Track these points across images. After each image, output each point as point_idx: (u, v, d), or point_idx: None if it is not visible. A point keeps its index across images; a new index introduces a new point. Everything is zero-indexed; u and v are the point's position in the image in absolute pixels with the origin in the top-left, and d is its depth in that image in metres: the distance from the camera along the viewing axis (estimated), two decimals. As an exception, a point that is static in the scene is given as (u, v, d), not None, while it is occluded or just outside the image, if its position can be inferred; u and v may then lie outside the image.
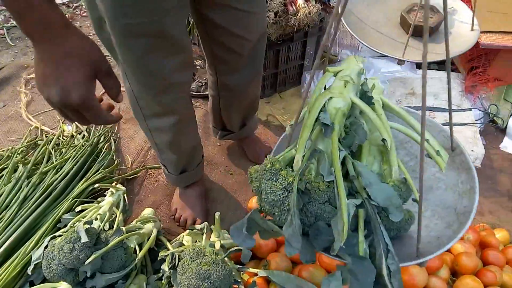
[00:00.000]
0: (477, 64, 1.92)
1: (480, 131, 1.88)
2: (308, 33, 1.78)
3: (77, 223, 1.20)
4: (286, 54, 1.85)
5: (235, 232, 0.67)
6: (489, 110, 1.93)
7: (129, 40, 0.93)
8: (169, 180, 1.47)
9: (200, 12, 1.10)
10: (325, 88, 0.73)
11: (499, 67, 1.88)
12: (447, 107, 1.86)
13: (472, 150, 1.69)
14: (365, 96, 0.72)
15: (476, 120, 1.86)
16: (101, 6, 0.87)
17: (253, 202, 1.49)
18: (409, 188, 0.67)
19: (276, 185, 0.64)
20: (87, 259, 1.06)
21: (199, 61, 2.09)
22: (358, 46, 1.96)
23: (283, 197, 0.63)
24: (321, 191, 0.63)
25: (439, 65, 2.15)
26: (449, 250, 1.28)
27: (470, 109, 1.89)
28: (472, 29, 1.11)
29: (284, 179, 0.64)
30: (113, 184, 1.49)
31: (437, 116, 1.85)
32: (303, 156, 0.67)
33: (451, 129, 0.75)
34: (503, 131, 1.94)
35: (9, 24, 2.31)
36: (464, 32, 1.12)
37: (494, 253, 1.26)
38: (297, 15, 1.54)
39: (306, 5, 1.55)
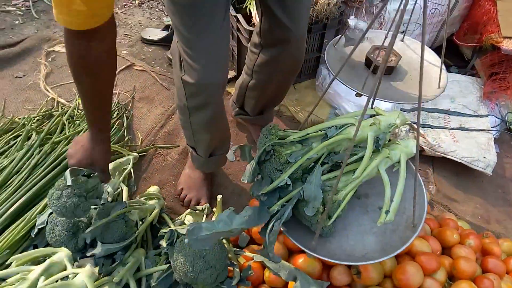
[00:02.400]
0: (497, 70, 1.88)
1: (495, 138, 1.84)
2: (326, 25, 1.77)
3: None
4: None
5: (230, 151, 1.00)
6: (506, 118, 1.89)
7: (171, 6, 1.03)
8: (195, 163, 1.48)
9: None
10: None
11: (521, 75, 1.83)
12: (464, 112, 1.84)
13: (484, 157, 1.66)
14: (377, 143, 0.94)
15: (492, 127, 1.83)
16: None
17: (257, 189, 1.50)
18: (336, 209, 0.91)
19: (264, 140, 0.95)
20: (75, 207, 1.06)
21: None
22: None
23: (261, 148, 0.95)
24: (279, 161, 0.91)
25: (459, 68, 2.12)
26: (448, 254, 1.26)
27: (487, 116, 1.85)
28: (439, 87, 1.19)
29: (269, 140, 0.94)
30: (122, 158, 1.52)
31: (452, 120, 1.82)
32: (295, 139, 0.94)
33: (414, 205, 0.94)
34: (519, 140, 1.90)
35: (35, -4, 2.35)
36: (429, 85, 1.21)
37: (494, 261, 1.24)
38: (316, 6, 1.53)
39: (325, -3, 1.54)
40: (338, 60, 1.25)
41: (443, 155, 1.67)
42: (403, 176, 0.91)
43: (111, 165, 1.35)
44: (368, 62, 1.26)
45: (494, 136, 1.84)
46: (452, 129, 1.79)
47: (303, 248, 0.93)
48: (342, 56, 1.27)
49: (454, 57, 2.18)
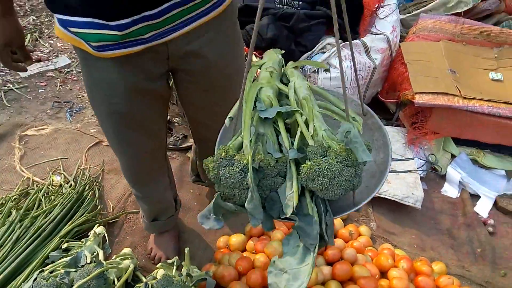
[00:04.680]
0: (416, 119, 2.23)
1: (422, 177, 2.15)
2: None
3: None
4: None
5: (203, 219, 0.77)
6: (429, 159, 2.21)
7: (102, 114, 1.16)
8: (143, 225, 1.68)
9: (179, 92, 1.30)
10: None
11: (435, 122, 2.19)
12: (393, 157, 2.15)
13: (413, 193, 1.94)
14: (285, 79, 0.89)
15: (418, 168, 2.14)
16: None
17: (221, 241, 1.69)
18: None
19: (233, 169, 0.72)
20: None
21: (177, 119, 2.36)
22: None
23: (241, 178, 0.72)
24: (272, 166, 0.74)
25: (387, 120, 2.47)
26: (385, 276, 1.49)
27: (413, 159, 2.17)
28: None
29: (239, 162, 0.72)
30: (96, 226, 1.68)
31: (384, 165, 2.12)
32: (251, 141, 0.76)
33: (360, 98, 0.91)
34: (443, 177, 2.21)
35: (6, 88, 2.57)
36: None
37: (424, 279, 1.48)
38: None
39: (264, 73, 1.85)
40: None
41: (378, 195, 1.94)
42: (324, 92, 0.88)
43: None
44: None
45: (421, 175, 2.14)
46: (385, 172, 2.08)
47: (349, 212, 0.80)
48: None
49: (382, 111, 2.54)
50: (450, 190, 2.15)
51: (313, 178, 0.71)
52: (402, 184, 1.99)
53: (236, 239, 1.64)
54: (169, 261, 1.55)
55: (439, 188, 2.17)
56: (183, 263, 1.52)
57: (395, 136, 2.27)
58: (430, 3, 2.89)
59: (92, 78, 1.09)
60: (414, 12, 2.88)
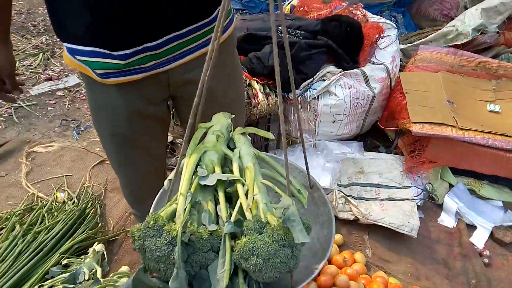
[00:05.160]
0: (414, 148, 2.27)
1: (420, 206, 2.17)
2: (271, 119, 2.14)
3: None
4: (252, 136, 2.19)
5: None
6: (427, 188, 2.24)
7: (105, 135, 1.22)
8: None
9: (180, 116, 1.36)
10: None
11: (433, 151, 2.23)
12: (391, 185, 2.18)
13: (409, 222, 1.97)
14: (232, 145, 0.84)
15: (415, 196, 2.17)
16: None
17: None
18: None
19: (160, 240, 0.64)
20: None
21: (180, 140, 2.42)
22: (315, 131, 2.32)
23: (168, 251, 0.64)
24: (204, 240, 0.66)
25: (386, 148, 2.51)
26: (377, 304, 1.51)
27: (410, 187, 2.20)
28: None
29: (168, 234, 0.65)
30: (95, 244, 1.73)
31: (382, 192, 2.15)
32: (185, 209, 0.68)
33: (307, 169, 0.86)
34: (440, 206, 2.24)
35: (16, 105, 2.66)
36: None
37: (415, 308, 1.49)
38: (258, 106, 1.90)
39: (265, 99, 1.92)
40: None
41: (374, 222, 1.97)
42: (271, 160, 0.85)
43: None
44: None
45: (419, 204, 2.17)
46: (382, 199, 2.11)
47: None
48: None
49: (382, 138, 2.59)
50: (446, 220, 2.17)
51: (246, 257, 0.64)
52: (399, 212, 2.02)
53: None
54: (165, 281, 1.58)
55: (435, 217, 2.19)
56: (179, 283, 1.55)
57: (393, 164, 2.31)
58: (431, 34, 2.98)
59: (96, 102, 1.15)
60: (415, 42, 2.96)
